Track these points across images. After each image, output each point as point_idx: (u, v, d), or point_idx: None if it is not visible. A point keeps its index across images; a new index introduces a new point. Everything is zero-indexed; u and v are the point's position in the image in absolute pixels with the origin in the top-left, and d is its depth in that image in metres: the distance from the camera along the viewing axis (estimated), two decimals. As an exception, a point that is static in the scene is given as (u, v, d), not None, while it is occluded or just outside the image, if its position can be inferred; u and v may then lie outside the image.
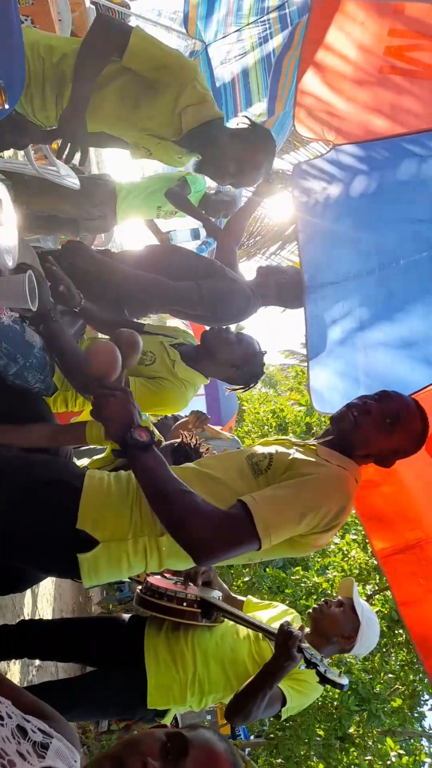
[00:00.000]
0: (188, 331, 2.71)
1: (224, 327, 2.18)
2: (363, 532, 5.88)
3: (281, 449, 1.53)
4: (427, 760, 5.89)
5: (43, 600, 4.22)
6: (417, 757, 5.36)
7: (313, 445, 1.57)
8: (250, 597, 2.51)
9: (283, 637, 1.78)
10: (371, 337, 2.25)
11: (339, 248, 2.34)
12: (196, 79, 1.88)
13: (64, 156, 1.83)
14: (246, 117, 2.20)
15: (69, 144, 1.81)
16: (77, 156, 1.86)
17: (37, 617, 3.96)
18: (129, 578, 6.26)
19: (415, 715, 5.83)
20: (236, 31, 3.73)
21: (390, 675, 4.98)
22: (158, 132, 1.98)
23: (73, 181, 3.21)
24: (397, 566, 1.86)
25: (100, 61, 1.79)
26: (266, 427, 6.45)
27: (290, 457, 1.47)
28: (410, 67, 2.07)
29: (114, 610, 6.15)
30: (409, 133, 2.11)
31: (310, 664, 1.73)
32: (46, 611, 4.28)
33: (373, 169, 2.23)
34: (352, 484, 1.44)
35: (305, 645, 1.77)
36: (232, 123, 2.36)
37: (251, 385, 2.30)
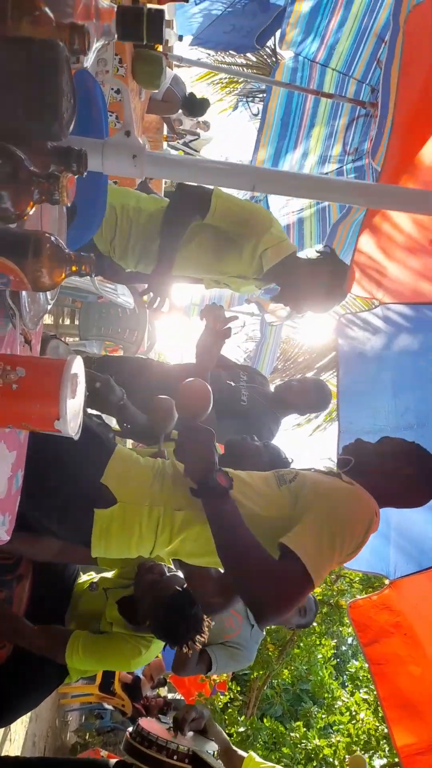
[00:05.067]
0: None
1: (249, 436, 2.17)
2: (375, 692, 5.33)
3: (307, 472, 1.56)
4: None
5: (18, 722, 3.88)
6: None
7: (337, 474, 1.59)
8: (252, 753, 2.24)
9: None
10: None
11: (378, 399, 2.35)
12: (272, 225, 2.05)
13: (153, 307, 2.00)
14: (327, 246, 2.33)
15: (160, 298, 1.99)
16: (164, 305, 2.03)
17: (9, 740, 3.63)
18: (113, 707, 5.74)
19: None
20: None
21: None
22: (240, 274, 2.13)
23: (127, 300, 3.40)
24: (422, 771, 1.63)
25: (185, 223, 1.98)
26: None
27: (314, 476, 1.52)
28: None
29: (90, 741, 5.59)
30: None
31: None
32: (19, 733, 3.94)
33: (417, 330, 2.30)
34: (375, 510, 1.45)
35: None
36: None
37: None
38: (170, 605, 1.87)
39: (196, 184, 1.98)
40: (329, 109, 3.95)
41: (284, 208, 4.14)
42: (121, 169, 1.22)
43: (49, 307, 1.17)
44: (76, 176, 0.77)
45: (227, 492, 1.36)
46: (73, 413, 0.90)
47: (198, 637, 1.86)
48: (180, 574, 1.98)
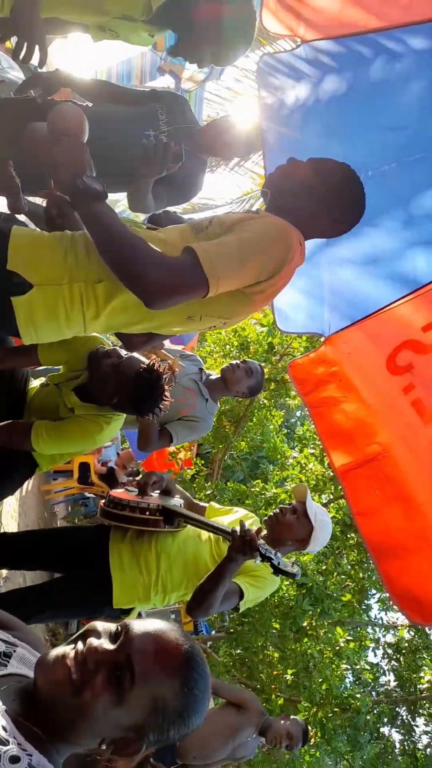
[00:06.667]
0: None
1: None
2: (320, 446, 6.10)
3: (223, 215, 1.52)
4: (371, 645, 6.55)
5: (8, 517, 4.27)
6: (363, 642, 5.94)
7: (255, 211, 1.57)
8: (212, 503, 2.60)
9: (239, 534, 1.89)
10: (336, 253, 2.20)
11: (305, 156, 2.22)
12: None
13: (22, 56, 1.58)
14: None
15: (27, 42, 1.55)
16: (36, 55, 1.62)
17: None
18: (93, 495, 6.37)
19: (363, 607, 6.39)
20: None
21: (342, 576, 5.38)
22: (125, 13, 1.78)
23: (17, 75, 2.90)
24: (355, 480, 1.94)
25: None
26: (228, 347, 6.43)
27: (231, 216, 1.49)
28: None
29: (79, 524, 6.33)
30: (385, 27, 1.95)
31: (265, 558, 1.85)
32: (11, 526, 4.36)
33: (343, 69, 2.08)
34: (294, 236, 1.43)
35: (260, 541, 1.89)
36: None
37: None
38: (139, 381, 1.97)
39: None
40: None
41: None
42: None
43: None
44: None
45: (102, 195, 1.30)
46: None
47: (163, 403, 2.02)
48: (137, 354, 2.05)
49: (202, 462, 6.10)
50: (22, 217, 2.03)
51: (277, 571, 1.87)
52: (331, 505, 5.54)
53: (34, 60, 1.61)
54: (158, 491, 2.30)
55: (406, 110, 2.02)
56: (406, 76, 2.01)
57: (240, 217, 1.45)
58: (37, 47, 1.57)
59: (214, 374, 3.02)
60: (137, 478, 6.04)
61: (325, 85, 2.11)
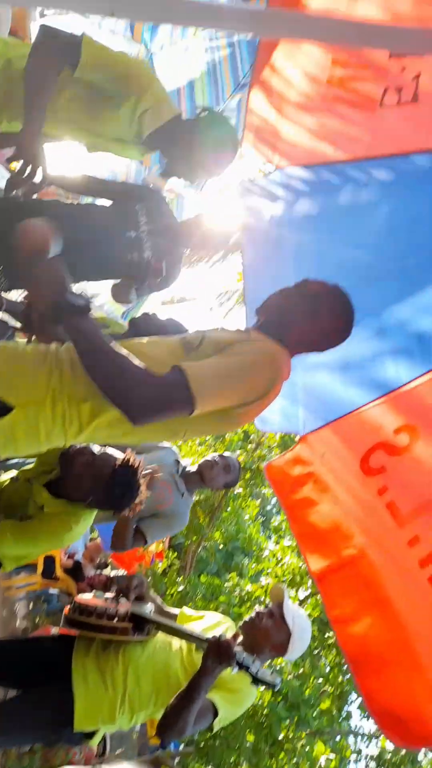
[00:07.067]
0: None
1: (153, 313, 2.17)
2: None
3: (214, 332, 1.55)
4: (353, 756, 6.11)
5: (-34, 617, 4.01)
6: (343, 754, 5.54)
7: (245, 331, 1.60)
8: (184, 609, 2.50)
9: (214, 641, 1.82)
10: (310, 358, 2.29)
11: (280, 269, 2.37)
12: (152, 83, 1.87)
13: (25, 176, 1.74)
14: (208, 107, 2.19)
15: (31, 166, 1.73)
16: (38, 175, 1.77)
17: (-41, 635, 3.77)
18: (58, 590, 6.03)
19: (343, 714, 6.01)
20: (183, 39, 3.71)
21: (320, 679, 5.11)
22: (118, 136, 1.96)
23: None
24: (332, 585, 1.91)
25: (50, 78, 1.72)
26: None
27: (222, 335, 1.51)
28: (352, 98, 2.14)
29: (40, 624, 5.95)
30: (351, 160, 2.17)
31: (242, 666, 1.76)
32: (-31, 628, 4.09)
33: (315, 192, 2.28)
34: (283, 359, 1.48)
35: (237, 649, 1.80)
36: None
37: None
38: (116, 479, 1.94)
39: (62, 31, 1.73)
40: None
41: (170, 73, 3.79)
42: None
43: None
44: None
45: (86, 310, 1.32)
46: None
47: (138, 500, 1.99)
48: (110, 450, 2.04)
49: (175, 554, 5.92)
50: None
51: (256, 680, 1.79)
52: (308, 601, 5.37)
53: (36, 179, 1.77)
54: (138, 595, 2.21)
55: (373, 231, 2.20)
56: (371, 202, 2.21)
57: (231, 338, 1.49)
58: (39, 168, 1.74)
59: (189, 464, 3.02)
60: (106, 571, 5.79)
61: (298, 207, 2.31)
